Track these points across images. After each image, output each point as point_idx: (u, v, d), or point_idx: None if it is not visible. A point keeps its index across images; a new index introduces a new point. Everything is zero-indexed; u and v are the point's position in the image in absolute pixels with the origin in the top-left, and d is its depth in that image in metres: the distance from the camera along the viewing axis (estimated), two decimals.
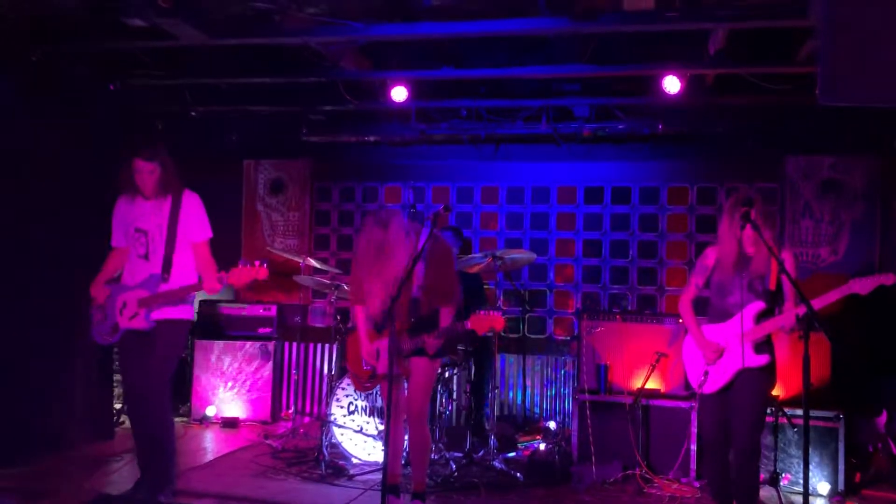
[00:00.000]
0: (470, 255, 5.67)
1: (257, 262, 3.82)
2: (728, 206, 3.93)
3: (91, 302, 4.11)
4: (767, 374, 3.89)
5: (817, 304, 3.55)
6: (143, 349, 3.97)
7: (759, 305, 3.85)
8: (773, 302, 3.88)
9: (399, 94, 5.73)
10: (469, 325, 3.75)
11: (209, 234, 4.12)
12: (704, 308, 4.14)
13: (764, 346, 3.85)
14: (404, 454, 4.47)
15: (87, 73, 5.58)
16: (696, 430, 4.91)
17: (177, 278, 3.97)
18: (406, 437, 4.26)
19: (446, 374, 5.28)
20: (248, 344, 6.64)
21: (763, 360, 3.82)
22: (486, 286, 6.23)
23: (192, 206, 4.08)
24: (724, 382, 3.91)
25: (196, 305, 6.76)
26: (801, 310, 3.50)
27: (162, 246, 3.98)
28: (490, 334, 5.34)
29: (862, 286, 3.57)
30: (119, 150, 4.20)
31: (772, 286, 3.86)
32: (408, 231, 3.95)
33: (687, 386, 4.57)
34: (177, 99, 6.31)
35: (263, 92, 6.25)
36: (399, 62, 5.56)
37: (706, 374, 3.97)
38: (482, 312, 3.74)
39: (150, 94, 6.22)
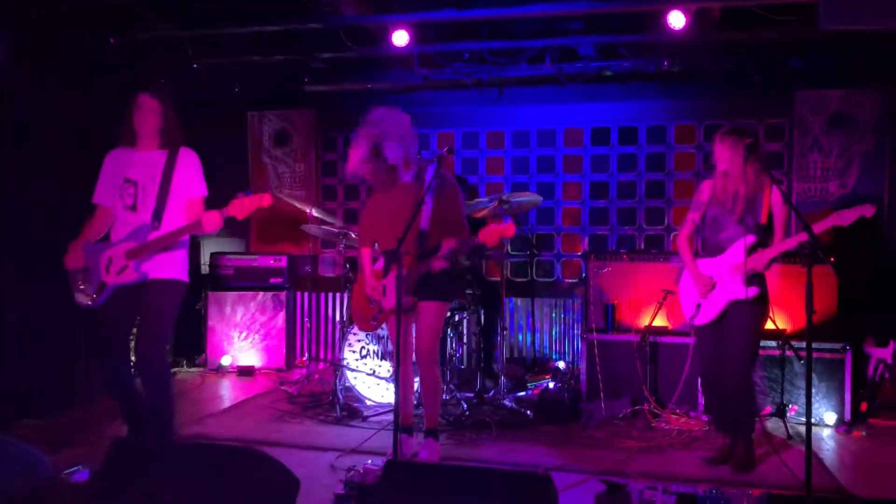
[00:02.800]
0: (476, 200, 5.68)
1: (256, 195, 3.55)
2: (722, 140, 3.98)
3: (66, 266, 3.86)
4: (758, 307, 3.97)
5: (802, 237, 3.62)
6: (137, 305, 3.77)
7: (751, 239, 3.92)
8: (765, 235, 3.94)
9: (400, 38, 5.67)
10: (479, 238, 3.72)
11: (205, 192, 3.91)
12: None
13: (754, 278, 3.93)
14: (416, 394, 4.57)
15: (86, 28, 5.55)
16: None
17: (167, 228, 3.77)
18: (417, 378, 4.34)
19: (456, 318, 5.35)
20: (261, 294, 6.73)
21: (752, 291, 3.90)
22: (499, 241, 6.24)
23: (190, 162, 3.89)
24: (715, 314, 4.03)
25: (207, 257, 6.94)
26: (803, 236, 3.54)
27: (153, 196, 3.78)
28: (502, 247, 5.24)
29: (843, 218, 3.61)
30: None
31: (763, 220, 3.92)
32: (416, 176, 3.98)
33: None
34: (178, 52, 6.27)
35: (264, 42, 6.19)
36: (400, 5, 5.49)
37: (698, 306, 4.11)
38: (492, 225, 3.76)
39: (150, 48, 6.18)
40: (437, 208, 3.97)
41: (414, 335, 4.12)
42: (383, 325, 4.40)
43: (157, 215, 3.77)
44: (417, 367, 4.17)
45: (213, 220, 3.64)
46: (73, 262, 3.85)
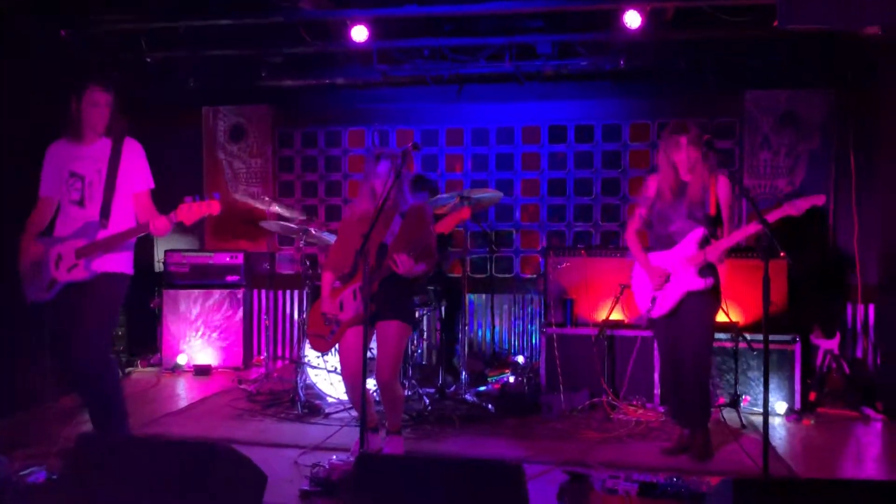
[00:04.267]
0: (437, 196, 5.70)
1: (207, 197, 3.56)
2: (663, 137, 4.12)
3: (21, 260, 3.78)
4: (711, 297, 4.08)
5: (755, 227, 3.81)
6: (82, 303, 3.70)
7: (701, 231, 4.04)
8: (714, 227, 4.06)
9: (359, 33, 5.66)
10: (437, 229, 3.80)
11: (151, 184, 3.87)
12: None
13: (707, 269, 4.04)
14: (375, 391, 4.56)
15: (35, 20, 5.39)
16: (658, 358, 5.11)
17: (116, 225, 3.74)
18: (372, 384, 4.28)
19: (417, 314, 5.35)
20: (217, 292, 6.63)
21: (708, 282, 4.02)
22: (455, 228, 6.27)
23: (135, 154, 3.83)
24: (670, 306, 4.12)
25: (161, 255, 6.81)
26: (757, 227, 3.74)
27: (100, 192, 3.73)
28: (460, 227, 5.30)
29: (796, 208, 3.75)
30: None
31: (711, 211, 4.03)
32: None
33: None
34: (132, 45, 6.14)
35: (221, 35, 6.10)
36: (360, 1, 5.48)
37: (654, 299, 4.19)
38: (445, 216, 3.82)
39: (103, 41, 6.03)
40: (407, 229, 3.94)
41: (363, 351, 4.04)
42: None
43: (105, 213, 3.72)
44: (378, 389, 4.06)
45: (162, 225, 3.63)
46: (30, 256, 3.79)
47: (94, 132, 3.80)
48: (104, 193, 3.74)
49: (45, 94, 5.16)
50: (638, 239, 4.27)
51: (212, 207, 3.57)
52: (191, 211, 3.56)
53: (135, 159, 3.85)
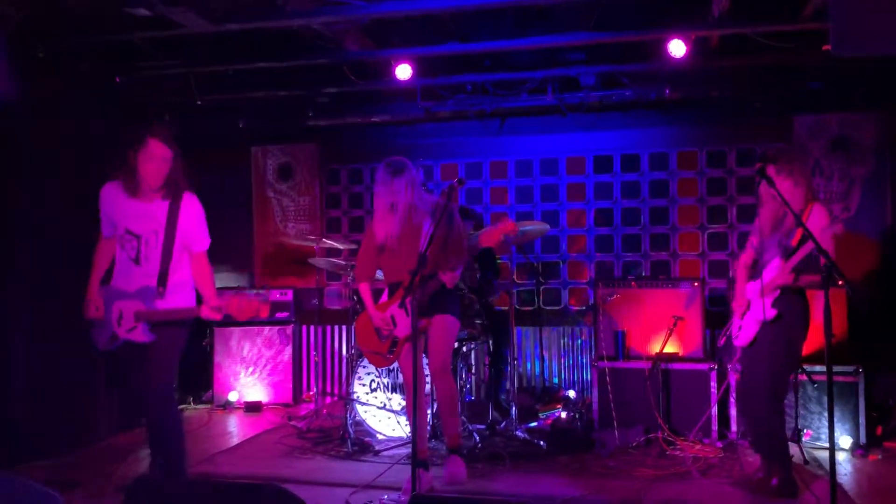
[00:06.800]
0: (483, 229, 5.68)
1: (256, 302, 3.55)
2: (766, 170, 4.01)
3: (86, 308, 3.78)
4: (781, 330, 3.93)
5: (791, 265, 3.81)
6: (144, 356, 3.71)
7: (779, 262, 3.91)
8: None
9: (403, 71, 5.72)
10: (481, 242, 3.83)
11: (207, 243, 3.83)
12: None
13: (781, 300, 3.92)
14: (429, 428, 4.54)
15: (92, 67, 5.59)
16: (715, 392, 4.98)
17: (172, 293, 3.70)
18: (429, 411, 4.32)
19: (464, 349, 5.31)
20: (267, 329, 6.70)
21: (769, 314, 3.91)
22: (498, 260, 6.26)
23: (193, 211, 3.76)
24: (750, 336, 4.05)
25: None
26: (792, 264, 3.74)
27: (158, 253, 3.68)
28: (507, 238, 5.31)
29: (799, 281, 3.82)
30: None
31: (794, 243, 3.91)
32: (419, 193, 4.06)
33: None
34: (182, 88, 6.31)
35: (268, 77, 6.25)
36: (403, 40, 5.55)
37: (739, 328, 4.15)
38: (489, 228, 3.82)
39: (155, 84, 6.23)
40: (439, 234, 3.99)
41: (426, 360, 4.14)
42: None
43: (162, 280, 3.67)
44: (432, 380, 4.16)
45: (212, 316, 3.63)
46: (93, 311, 3.77)
47: (150, 187, 3.69)
48: (161, 259, 3.68)
49: (103, 141, 5.33)
50: (744, 270, 4.24)
51: (261, 311, 3.58)
52: (241, 309, 3.55)
53: (192, 219, 3.76)
